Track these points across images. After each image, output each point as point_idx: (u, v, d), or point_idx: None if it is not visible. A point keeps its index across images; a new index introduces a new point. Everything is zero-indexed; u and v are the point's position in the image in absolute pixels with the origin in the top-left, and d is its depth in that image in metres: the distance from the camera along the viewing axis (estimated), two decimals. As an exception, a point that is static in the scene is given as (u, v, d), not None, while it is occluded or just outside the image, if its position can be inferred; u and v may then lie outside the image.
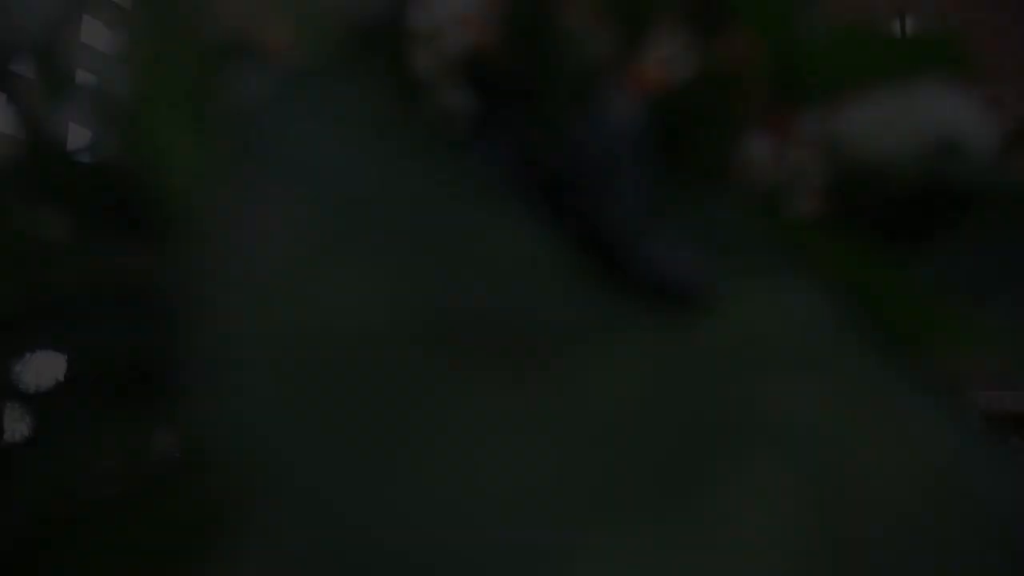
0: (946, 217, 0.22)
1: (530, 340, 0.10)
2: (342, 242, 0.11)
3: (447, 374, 0.09)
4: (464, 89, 0.19)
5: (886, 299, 0.17)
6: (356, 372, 0.08)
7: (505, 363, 0.09)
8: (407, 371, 0.09)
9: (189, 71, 0.16)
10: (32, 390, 0.16)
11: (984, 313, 0.20)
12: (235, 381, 0.08)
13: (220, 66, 0.15)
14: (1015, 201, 0.22)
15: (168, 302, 0.15)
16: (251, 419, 0.07)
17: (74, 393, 0.15)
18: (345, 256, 0.10)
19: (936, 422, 0.15)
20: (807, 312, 0.17)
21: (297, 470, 0.07)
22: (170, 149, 0.15)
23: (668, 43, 0.22)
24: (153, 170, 0.15)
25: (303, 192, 0.11)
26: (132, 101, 0.17)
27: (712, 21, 0.22)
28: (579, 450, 0.08)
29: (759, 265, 0.17)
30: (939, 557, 0.11)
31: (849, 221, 0.22)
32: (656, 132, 0.19)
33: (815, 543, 0.10)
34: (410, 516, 0.07)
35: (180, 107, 0.16)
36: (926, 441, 0.13)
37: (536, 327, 0.11)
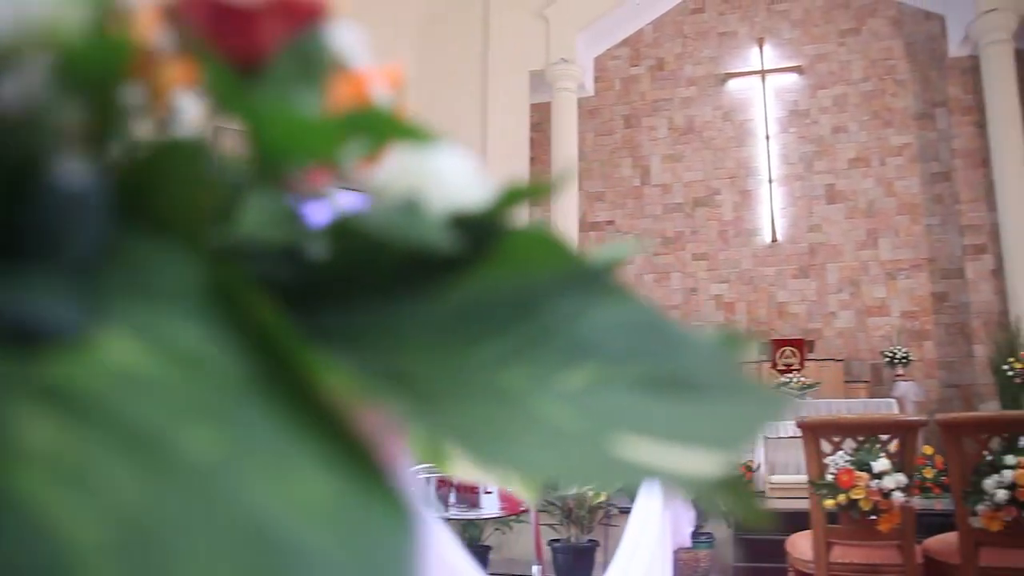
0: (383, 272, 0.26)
1: None
2: None
3: None
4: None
5: (275, 346, 0.21)
6: None
7: None
8: None
9: None
10: None
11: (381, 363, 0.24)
12: None
13: None
14: (459, 259, 0.26)
15: None
16: None
17: None
18: None
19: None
20: (179, 354, 0.20)
21: None
22: None
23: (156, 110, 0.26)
24: None
25: None
26: None
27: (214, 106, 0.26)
28: None
29: (159, 310, 0.21)
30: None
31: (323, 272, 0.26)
32: (120, 191, 0.23)
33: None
34: None
35: None
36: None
37: None
